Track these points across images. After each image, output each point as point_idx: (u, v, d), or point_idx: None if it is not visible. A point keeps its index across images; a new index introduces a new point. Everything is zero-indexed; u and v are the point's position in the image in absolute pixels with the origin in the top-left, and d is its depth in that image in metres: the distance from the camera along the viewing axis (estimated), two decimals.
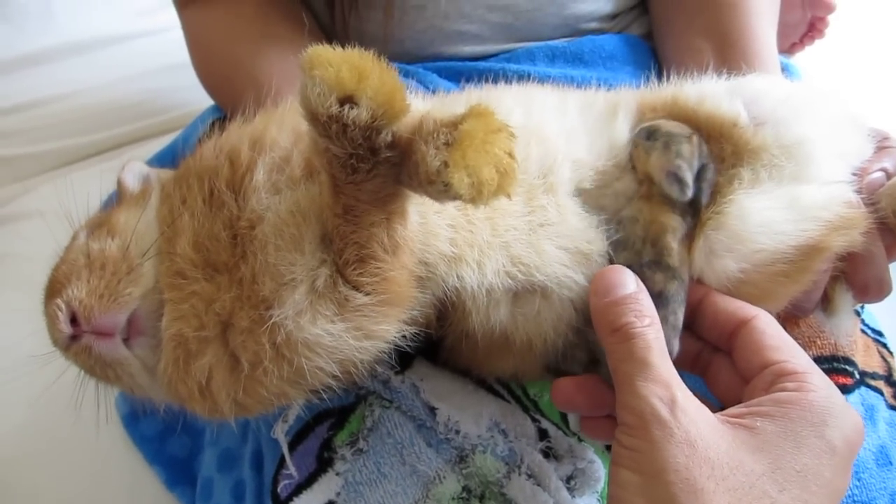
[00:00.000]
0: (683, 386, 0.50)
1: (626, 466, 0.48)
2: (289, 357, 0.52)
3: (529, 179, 0.59)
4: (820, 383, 0.51)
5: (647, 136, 0.58)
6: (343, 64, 0.42)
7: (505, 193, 0.43)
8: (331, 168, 0.47)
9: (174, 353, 0.54)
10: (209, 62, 0.93)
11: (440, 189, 0.42)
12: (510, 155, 0.43)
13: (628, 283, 0.54)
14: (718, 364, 0.58)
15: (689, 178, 0.55)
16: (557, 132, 0.62)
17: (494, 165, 0.42)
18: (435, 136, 0.42)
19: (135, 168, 0.68)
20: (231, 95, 0.86)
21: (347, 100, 0.43)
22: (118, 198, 0.66)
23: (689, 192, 0.55)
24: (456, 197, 0.42)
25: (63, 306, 0.54)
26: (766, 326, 0.55)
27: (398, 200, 0.49)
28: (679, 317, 0.56)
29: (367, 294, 0.51)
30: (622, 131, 0.63)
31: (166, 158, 0.98)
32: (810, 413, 0.49)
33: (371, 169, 0.46)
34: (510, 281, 0.57)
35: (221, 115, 0.94)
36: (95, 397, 0.62)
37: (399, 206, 0.50)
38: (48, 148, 1.28)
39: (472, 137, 0.42)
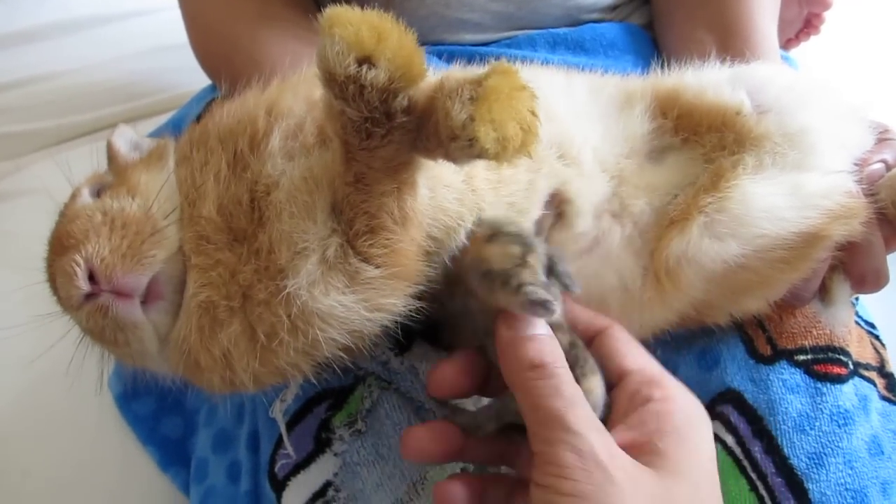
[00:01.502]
0: (602, 430, 0.48)
1: None
2: (303, 328, 0.51)
3: (538, 149, 0.59)
4: (678, 388, 0.52)
5: (483, 278, 0.52)
6: (363, 24, 0.42)
7: (526, 152, 0.43)
8: (344, 133, 0.47)
9: (200, 321, 0.53)
10: (208, 42, 0.92)
11: (464, 145, 0.42)
12: (533, 113, 0.42)
13: (532, 313, 0.51)
14: None
15: (545, 295, 0.49)
16: (567, 112, 0.62)
17: (518, 122, 0.42)
18: (459, 91, 0.42)
19: (125, 132, 0.66)
20: (230, 75, 0.86)
21: (366, 60, 0.42)
22: (110, 160, 0.65)
23: (556, 308, 0.49)
24: (480, 153, 0.42)
25: (82, 262, 0.51)
26: (621, 335, 0.55)
27: (410, 170, 0.49)
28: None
29: (377, 266, 0.51)
30: (640, 123, 0.64)
31: (174, 130, 0.97)
32: (688, 419, 0.50)
33: (386, 134, 0.46)
34: None
35: (218, 96, 0.93)
36: (92, 372, 0.61)
37: (410, 177, 0.49)
38: (40, 126, 1.27)
39: (498, 92, 0.41)
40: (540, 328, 0.51)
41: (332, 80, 0.44)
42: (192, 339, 0.53)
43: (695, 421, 0.50)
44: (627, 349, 0.54)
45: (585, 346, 0.55)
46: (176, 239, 0.55)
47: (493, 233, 0.53)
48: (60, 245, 0.54)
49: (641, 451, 0.48)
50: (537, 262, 0.50)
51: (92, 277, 0.52)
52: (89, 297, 0.52)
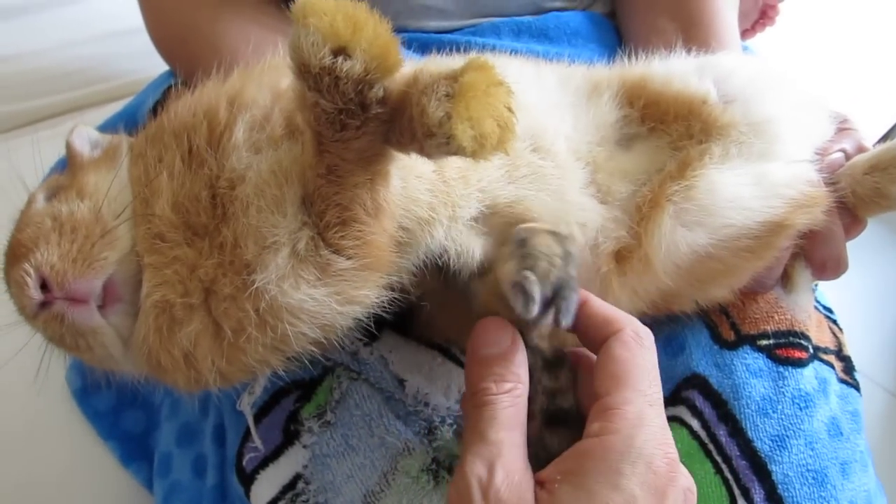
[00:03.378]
0: (514, 459, 0.48)
1: None
2: (272, 323, 0.50)
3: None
4: (624, 422, 0.48)
5: (517, 244, 0.53)
6: (337, 14, 0.41)
7: (504, 148, 0.42)
8: (318, 124, 0.46)
9: (157, 321, 0.52)
10: (164, 25, 0.90)
11: (440, 142, 0.41)
12: (510, 109, 0.42)
13: (501, 340, 0.52)
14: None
15: (536, 293, 0.49)
16: (538, 103, 0.62)
17: (495, 119, 0.41)
18: (435, 87, 0.41)
19: (84, 132, 0.64)
20: (187, 59, 0.83)
21: (341, 51, 0.41)
22: (69, 162, 0.63)
23: (535, 310, 0.49)
24: (457, 150, 0.41)
25: (32, 271, 0.50)
26: (621, 348, 0.51)
27: (383, 161, 0.48)
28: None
29: (349, 258, 0.50)
30: (608, 111, 0.64)
31: (116, 126, 0.94)
32: (604, 463, 0.47)
33: (360, 126, 0.45)
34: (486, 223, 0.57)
35: (175, 82, 0.91)
36: (46, 369, 0.59)
37: (383, 168, 0.49)
38: None
39: (475, 89, 0.41)
40: (494, 347, 0.52)
41: (306, 72, 0.42)
42: (151, 339, 0.52)
43: (610, 476, 0.46)
44: (610, 368, 0.51)
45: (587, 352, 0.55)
46: (128, 239, 0.53)
47: (556, 232, 0.54)
48: (13, 254, 0.53)
49: (546, 490, 0.48)
50: (559, 272, 0.50)
51: (45, 285, 0.50)
52: (44, 305, 0.51)
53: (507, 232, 0.56)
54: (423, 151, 0.45)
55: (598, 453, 0.47)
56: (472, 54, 0.44)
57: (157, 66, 0.96)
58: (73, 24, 1.33)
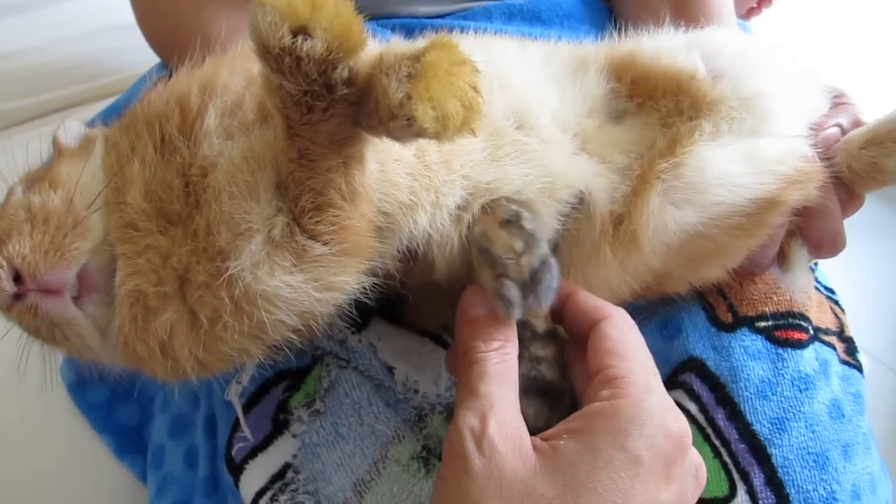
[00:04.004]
0: (507, 411, 0.49)
1: (434, 496, 0.49)
2: (248, 311, 0.49)
3: (494, 122, 0.58)
4: (633, 388, 0.49)
5: (480, 252, 0.55)
6: None
7: (469, 129, 0.41)
8: (284, 108, 0.45)
9: (132, 311, 0.51)
10: (153, 18, 0.90)
11: (402, 124, 0.40)
12: (475, 89, 0.41)
13: (489, 302, 0.53)
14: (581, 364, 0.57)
15: (514, 296, 0.51)
16: (522, 80, 0.61)
17: (459, 99, 0.40)
18: (397, 68, 0.41)
19: (72, 127, 0.64)
20: (177, 51, 0.83)
21: (301, 30, 0.40)
22: (56, 155, 0.63)
23: (517, 313, 0.52)
24: (419, 132, 0.40)
25: (4, 263, 0.50)
26: (613, 329, 0.53)
27: (356, 144, 0.48)
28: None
29: (325, 244, 0.49)
30: (596, 84, 0.63)
31: (113, 116, 0.94)
32: (613, 423, 0.47)
33: (327, 108, 0.44)
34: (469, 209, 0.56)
35: (168, 73, 0.91)
36: (40, 362, 0.59)
37: (357, 151, 0.48)
38: None
39: (436, 69, 0.40)
40: (478, 308, 0.54)
41: (267, 53, 0.42)
42: (127, 329, 0.52)
43: (617, 436, 0.47)
44: (607, 345, 0.52)
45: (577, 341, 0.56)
46: (101, 228, 0.53)
47: (509, 219, 0.54)
48: None
49: (547, 445, 0.48)
50: (528, 264, 0.52)
51: (19, 277, 0.50)
52: (18, 297, 0.51)
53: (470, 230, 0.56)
54: (390, 134, 0.44)
55: (608, 414, 0.48)
56: (439, 34, 0.43)
57: (154, 61, 0.96)
58: (73, 19, 1.33)
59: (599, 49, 0.68)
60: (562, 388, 0.58)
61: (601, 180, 0.61)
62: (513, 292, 0.51)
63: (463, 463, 0.47)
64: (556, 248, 0.62)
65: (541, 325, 0.57)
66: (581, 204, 0.61)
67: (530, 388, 0.54)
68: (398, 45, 0.44)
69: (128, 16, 0.93)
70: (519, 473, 0.46)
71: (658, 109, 0.64)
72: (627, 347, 0.52)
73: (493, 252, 0.53)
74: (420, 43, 0.42)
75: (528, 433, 0.49)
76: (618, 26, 0.71)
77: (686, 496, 0.49)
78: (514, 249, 0.52)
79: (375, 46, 0.45)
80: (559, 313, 0.57)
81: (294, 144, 0.47)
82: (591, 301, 0.56)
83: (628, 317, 0.55)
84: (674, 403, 0.51)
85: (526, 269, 0.51)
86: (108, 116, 0.93)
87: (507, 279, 0.51)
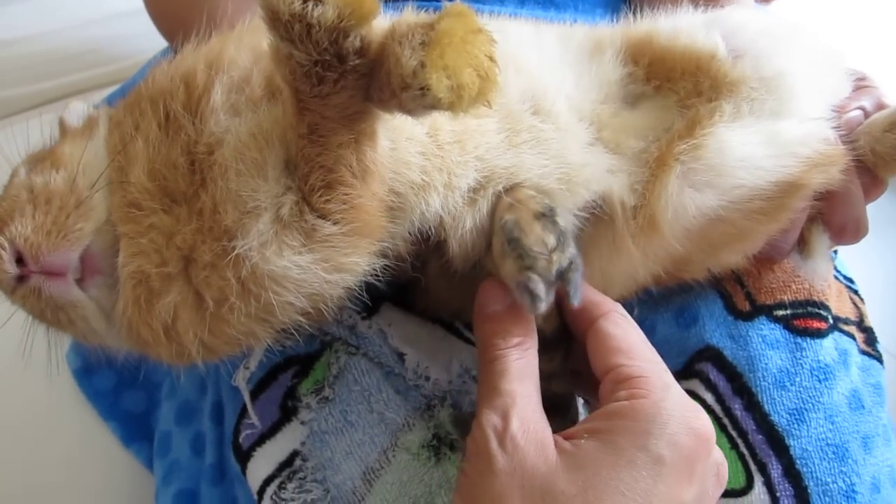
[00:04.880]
0: (528, 408, 0.50)
1: (458, 492, 0.50)
2: (255, 292, 0.48)
3: (510, 104, 0.57)
4: (652, 388, 0.49)
5: (508, 242, 0.54)
6: None
7: (485, 100, 0.40)
8: (294, 80, 0.44)
9: (135, 292, 0.50)
10: (161, 2, 0.90)
11: (416, 94, 0.39)
12: (491, 58, 0.40)
13: (506, 296, 0.53)
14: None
15: (541, 291, 0.51)
16: (537, 64, 0.60)
17: (475, 68, 0.39)
18: (410, 36, 0.39)
19: (76, 108, 0.64)
20: (186, 35, 0.83)
21: None
22: (60, 136, 0.62)
23: (543, 308, 0.50)
24: (433, 103, 0.39)
25: (6, 245, 0.49)
26: (614, 326, 0.53)
27: (367, 119, 0.46)
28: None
29: (335, 223, 0.48)
30: (612, 69, 0.61)
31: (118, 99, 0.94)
32: (634, 423, 0.48)
33: (338, 79, 0.43)
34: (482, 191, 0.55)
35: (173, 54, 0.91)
36: (45, 347, 0.59)
37: (368, 127, 0.47)
38: None
39: (451, 36, 0.39)
40: (497, 304, 0.54)
41: (277, 20, 0.41)
42: (130, 312, 0.51)
43: (638, 436, 0.47)
44: (612, 343, 0.52)
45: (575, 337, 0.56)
46: (104, 208, 0.52)
47: (544, 212, 0.53)
48: None
49: (568, 443, 0.48)
50: (558, 261, 0.51)
51: (21, 259, 0.50)
52: (21, 279, 0.50)
53: (497, 217, 0.55)
54: (402, 107, 0.43)
55: (629, 414, 0.48)
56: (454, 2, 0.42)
57: (162, 45, 0.96)
58: (79, 5, 1.34)
59: (616, 31, 0.67)
60: (570, 396, 0.59)
61: (618, 178, 0.60)
62: (540, 287, 0.50)
63: (486, 460, 0.47)
64: None
65: (546, 325, 0.56)
66: (599, 208, 0.60)
67: (548, 408, 0.53)
68: (410, 15, 0.42)
69: (135, 2, 0.93)
70: (541, 470, 0.47)
71: (676, 91, 0.63)
72: (632, 345, 0.53)
73: (524, 243, 0.52)
74: (434, 13, 0.41)
75: (549, 429, 0.49)
76: (633, 8, 0.70)
77: (707, 494, 0.49)
78: (546, 244, 0.51)
79: (386, 19, 0.44)
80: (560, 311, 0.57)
81: (304, 119, 0.46)
82: (590, 296, 0.56)
83: (625, 312, 0.55)
84: (693, 401, 0.51)
85: (555, 267, 0.50)
86: (113, 100, 0.93)
87: (535, 273, 0.50)
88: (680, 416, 0.48)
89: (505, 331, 0.52)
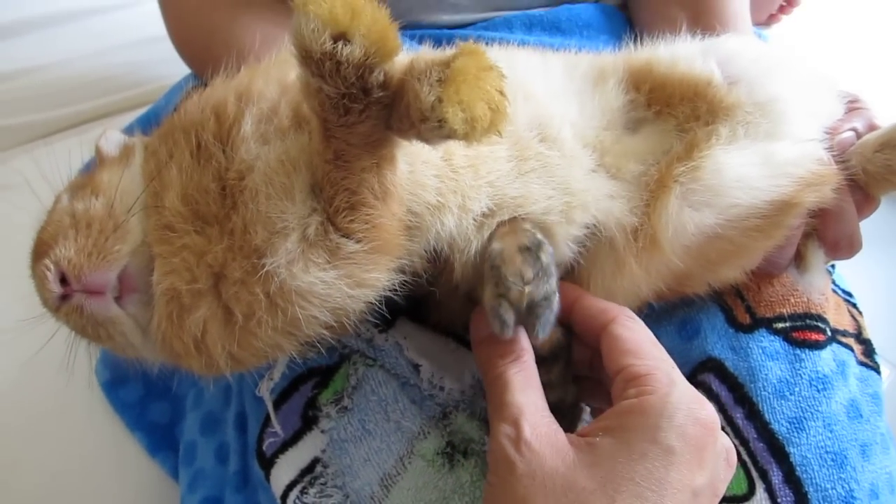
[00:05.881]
0: (537, 414, 0.53)
1: (485, 501, 0.53)
2: (283, 306, 0.52)
3: (518, 131, 0.60)
4: (658, 384, 0.52)
5: (491, 268, 0.57)
6: (336, 1, 0.42)
7: (496, 130, 0.43)
8: (322, 110, 0.47)
9: (167, 308, 0.54)
10: (185, 30, 0.92)
11: (433, 126, 0.43)
12: (501, 93, 0.43)
13: (491, 323, 0.56)
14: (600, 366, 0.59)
15: (510, 319, 0.54)
16: (544, 92, 0.63)
17: (486, 102, 0.42)
18: (428, 73, 0.43)
19: (113, 136, 0.67)
20: (208, 63, 0.86)
21: (341, 36, 0.43)
22: (98, 163, 0.66)
23: (508, 334, 0.54)
24: (450, 134, 0.43)
25: (51, 266, 0.53)
26: (623, 329, 0.57)
27: (388, 145, 0.50)
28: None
29: (358, 241, 0.51)
30: (614, 96, 0.64)
31: (150, 123, 0.96)
32: (644, 418, 0.51)
33: (363, 110, 0.46)
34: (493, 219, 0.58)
35: (201, 83, 0.93)
36: (76, 361, 0.62)
37: (389, 152, 0.50)
38: (23, 121, 1.26)
39: (465, 73, 0.42)
40: (488, 328, 0.56)
41: (309, 58, 0.44)
42: (164, 326, 0.54)
43: (649, 430, 0.50)
44: (622, 346, 0.55)
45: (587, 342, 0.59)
46: (140, 231, 0.56)
47: (529, 246, 0.57)
48: (37, 252, 0.56)
49: (584, 441, 0.52)
50: (530, 295, 0.54)
51: (64, 279, 0.53)
52: (64, 298, 0.54)
53: (488, 246, 0.58)
54: (420, 136, 0.46)
55: (638, 411, 0.51)
56: (468, 42, 0.45)
57: (184, 71, 0.99)
58: (103, 33, 1.36)
59: (618, 59, 0.69)
60: (574, 401, 0.61)
61: (618, 203, 0.63)
62: (509, 315, 0.54)
63: (506, 467, 0.51)
64: (570, 270, 0.64)
65: (545, 348, 0.59)
66: (598, 232, 0.63)
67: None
68: (427, 52, 0.46)
69: (159, 28, 0.96)
70: (559, 469, 0.50)
71: (675, 116, 0.66)
72: (640, 344, 0.56)
73: (502, 271, 0.55)
74: (449, 51, 0.45)
75: (561, 430, 0.52)
76: (635, 35, 0.73)
77: (718, 478, 0.53)
78: (522, 276, 0.54)
79: (405, 55, 0.47)
80: (567, 319, 0.60)
81: (330, 146, 0.49)
82: (596, 304, 0.59)
83: (633, 314, 0.58)
84: (698, 392, 0.54)
85: (526, 299, 0.54)
86: (143, 122, 0.96)
87: (506, 301, 0.54)
88: (686, 408, 0.51)
89: (500, 350, 0.56)
